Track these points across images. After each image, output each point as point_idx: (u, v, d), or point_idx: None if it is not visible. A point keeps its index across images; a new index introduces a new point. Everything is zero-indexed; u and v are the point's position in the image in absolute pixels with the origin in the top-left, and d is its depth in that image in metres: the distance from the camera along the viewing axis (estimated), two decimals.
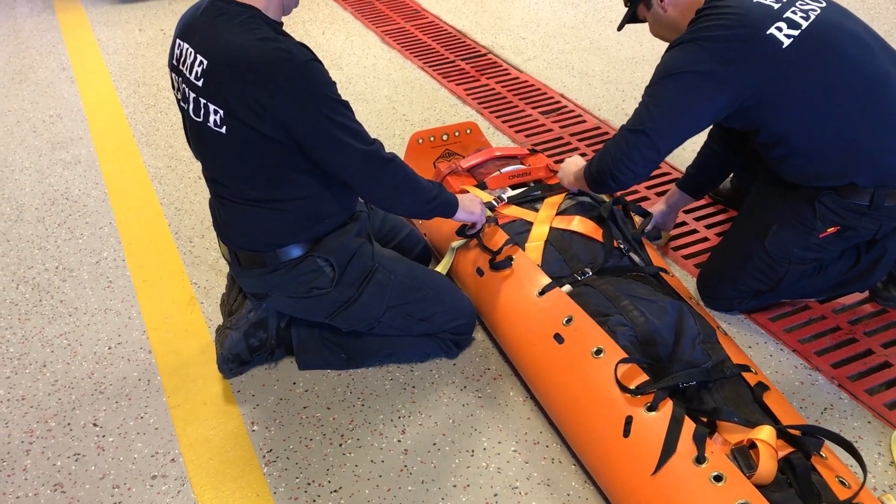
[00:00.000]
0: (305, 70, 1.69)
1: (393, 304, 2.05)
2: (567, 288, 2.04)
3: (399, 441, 1.94)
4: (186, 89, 1.79)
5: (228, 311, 2.21)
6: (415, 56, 4.20)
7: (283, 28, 1.79)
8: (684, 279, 2.47)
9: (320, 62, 1.75)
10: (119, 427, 2.01)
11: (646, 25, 2.27)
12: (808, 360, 2.13)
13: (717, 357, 1.84)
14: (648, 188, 2.97)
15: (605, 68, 3.97)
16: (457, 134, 2.98)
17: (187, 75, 1.77)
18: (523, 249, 2.19)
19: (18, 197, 3.04)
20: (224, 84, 1.71)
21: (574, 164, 2.38)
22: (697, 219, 2.78)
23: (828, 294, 2.30)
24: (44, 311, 2.43)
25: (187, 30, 1.79)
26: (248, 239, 1.94)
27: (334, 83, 1.77)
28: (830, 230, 2.08)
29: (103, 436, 1.98)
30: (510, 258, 2.17)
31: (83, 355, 2.24)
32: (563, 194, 2.41)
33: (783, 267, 2.16)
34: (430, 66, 4.06)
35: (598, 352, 1.83)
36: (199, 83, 1.74)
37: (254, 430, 1.98)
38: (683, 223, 2.76)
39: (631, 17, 2.27)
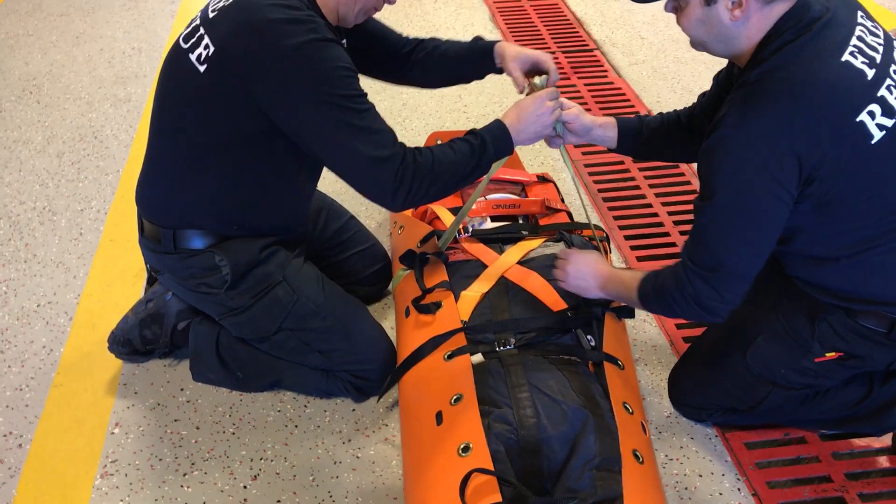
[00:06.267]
0: (313, 48, 1.52)
1: (289, 326, 1.82)
2: (477, 358, 1.71)
3: (245, 487, 1.71)
4: (197, 17, 1.70)
5: (146, 287, 2.08)
6: (516, 40, 3.85)
7: None
8: (661, 355, 2.02)
9: (340, 46, 1.58)
10: None
11: None
12: None
13: (606, 493, 1.46)
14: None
15: None
16: None
17: (208, 9, 1.68)
18: (456, 298, 1.87)
19: (56, 127, 3.06)
20: (229, 26, 1.59)
21: (592, 265, 1.74)
22: None
23: (830, 429, 1.82)
24: (5, 251, 2.40)
25: None
26: (157, 205, 1.80)
27: (353, 73, 1.58)
28: (830, 355, 1.62)
29: None
30: (437, 304, 1.86)
31: (10, 308, 2.18)
32: (542, 239, 2.05)
33: (764, 387, 1.71)
34: None
35: (465, 449, 1.51)
36: (211, 15, 1.65)
37: (113, 433, 1.83)
38: None
39: None
